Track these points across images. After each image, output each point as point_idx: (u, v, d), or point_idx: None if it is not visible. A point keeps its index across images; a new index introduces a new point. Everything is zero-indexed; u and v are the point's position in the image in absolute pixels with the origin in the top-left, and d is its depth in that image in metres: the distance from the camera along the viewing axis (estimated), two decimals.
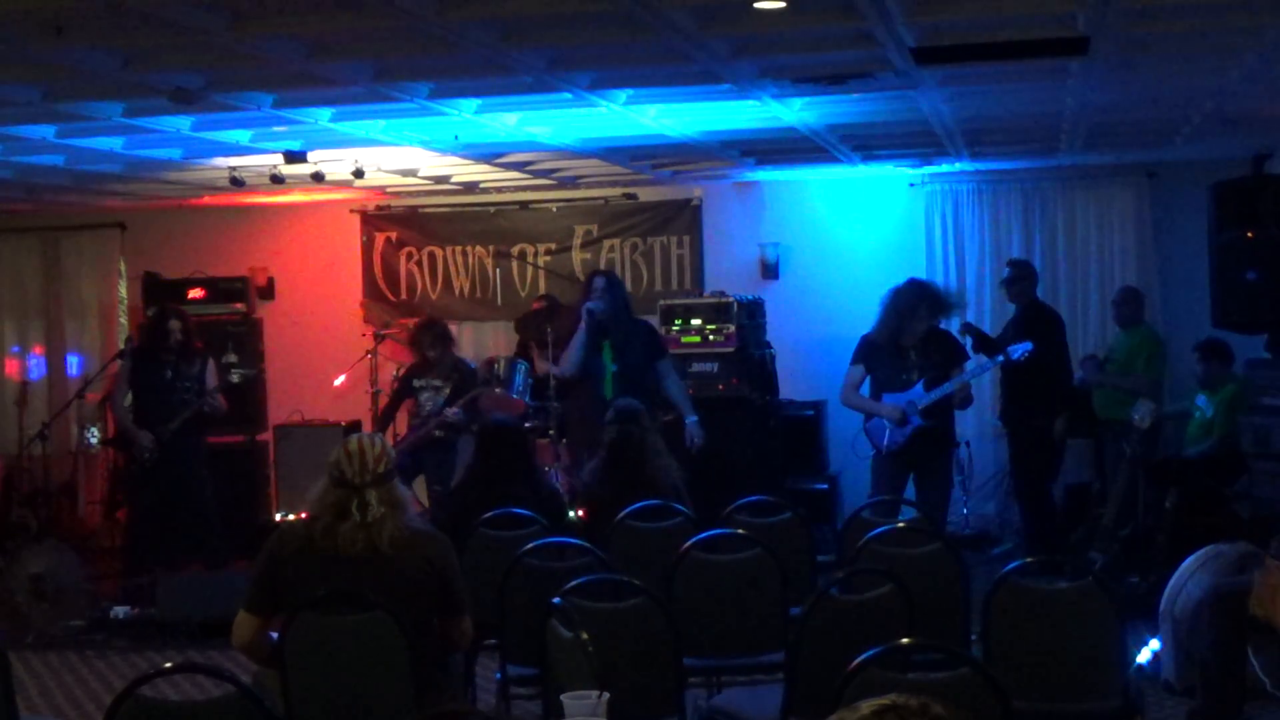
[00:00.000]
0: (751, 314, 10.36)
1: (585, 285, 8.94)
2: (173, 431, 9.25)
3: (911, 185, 11.42)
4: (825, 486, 10.43)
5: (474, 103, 7.40)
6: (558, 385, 9.27)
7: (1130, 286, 10.09)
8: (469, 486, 6.77)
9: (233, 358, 11.00)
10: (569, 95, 7.04)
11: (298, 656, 4.47)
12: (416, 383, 9.62)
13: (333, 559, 4.53)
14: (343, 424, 10.91)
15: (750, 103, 7.47)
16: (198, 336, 9.73)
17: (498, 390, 9.45)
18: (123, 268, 12.28)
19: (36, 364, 12.50)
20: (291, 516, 9.69)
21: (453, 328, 10.35)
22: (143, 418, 9.39)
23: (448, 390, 9.46)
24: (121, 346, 10.29)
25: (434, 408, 9.38)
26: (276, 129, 8.05)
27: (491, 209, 11.97)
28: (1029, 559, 5.76)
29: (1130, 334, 9.69)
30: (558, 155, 9.62)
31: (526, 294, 11.72)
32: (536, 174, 10.66)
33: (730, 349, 9.98)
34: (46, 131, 7.86)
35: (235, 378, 9.79)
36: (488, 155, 9.48)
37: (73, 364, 12.43)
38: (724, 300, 10.11)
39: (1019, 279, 9.76)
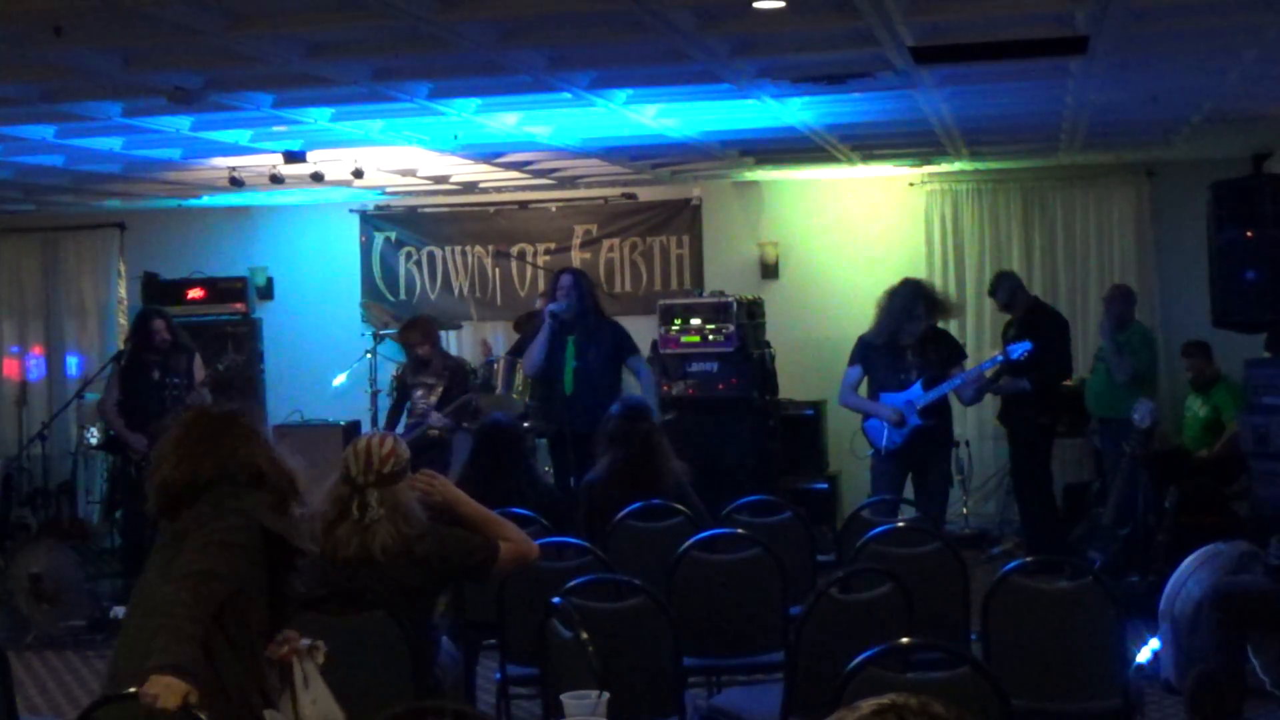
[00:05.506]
0: (751, 313, 10.34)
1: (552, 283, 8.99)
2: (165, 429, 9.21)
3: (911, 185, 11.42)
4: (825, 486, 10.42)
5: (473, 102, 7.40)
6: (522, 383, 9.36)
7: (1121, 285, 10.05)
8: (465, 485, 6.75)
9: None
10: (569, 95, 7.04)
11: None
12: (410, 380, 9.55)
13: (329, 561, 4.52)
14: (342, 424, 10.89)
15: (750, 103, 7.47)
16: (183, 333, 9.69)
17: (496, 391, 9.44)
18: (122, 268, 12.29)
19: (36, 364, 12.50)
20: None
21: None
22: (135, 419, 9.37)
23: (440, 389, 9.38)
24: (121, 348, 10.27)
25: (426, 408, 9.33)
26: (276, 129, 8.05)
27: (491, 209, 11.96)
28: (1029, 558, 5.74)
29: (1123, 333, 9.66)
30: (557, 155, 9.62)
31: (526, 294, 11.72)
32: (536, 174, 10.66)
33: (730, 349, 9.94)
34: (46, 131, 7.86)
35: (221, 366, 9.76)
36: (487, 155, 9.47)
37: (72, 364, 12.42)
38: (723, 300, 10.08)
39: (1012, 290, 9.62)
